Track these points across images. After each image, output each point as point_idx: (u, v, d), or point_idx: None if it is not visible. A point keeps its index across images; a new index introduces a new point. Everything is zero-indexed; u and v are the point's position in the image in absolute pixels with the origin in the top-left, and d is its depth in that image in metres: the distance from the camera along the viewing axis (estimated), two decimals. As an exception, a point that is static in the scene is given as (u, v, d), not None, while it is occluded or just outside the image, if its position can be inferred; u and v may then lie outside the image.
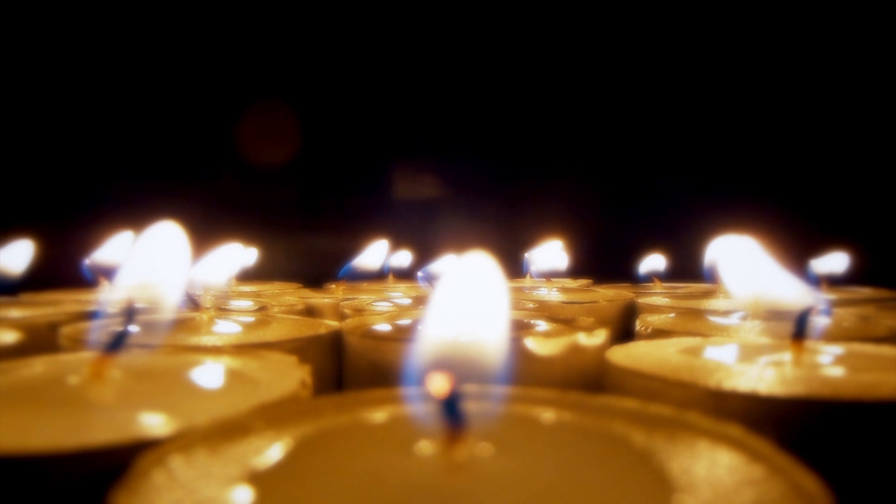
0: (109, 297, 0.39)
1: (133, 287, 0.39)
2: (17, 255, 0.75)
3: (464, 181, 1.47)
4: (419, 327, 0.31)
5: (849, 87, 1.25)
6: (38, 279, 0.77)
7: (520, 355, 0.43)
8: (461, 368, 0.27)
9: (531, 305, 0.67)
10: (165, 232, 0.42)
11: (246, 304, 0.72)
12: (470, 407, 0.24)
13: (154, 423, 0.28)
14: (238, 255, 0.87)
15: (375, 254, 0.98)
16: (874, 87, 1.24)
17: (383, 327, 0.55)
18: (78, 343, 0.45)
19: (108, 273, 0.78)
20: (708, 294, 0.80)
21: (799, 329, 0.40)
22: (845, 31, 1.25)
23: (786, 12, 1.28)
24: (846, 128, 1.27)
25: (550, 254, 1.03)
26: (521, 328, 0.54)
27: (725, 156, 1.35)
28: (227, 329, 0.54)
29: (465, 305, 0.30)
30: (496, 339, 0.29)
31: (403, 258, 1.10)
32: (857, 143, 1.26)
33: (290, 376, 0.35)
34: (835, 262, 0.84)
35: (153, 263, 0.40)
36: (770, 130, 1.33)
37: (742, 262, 0.46)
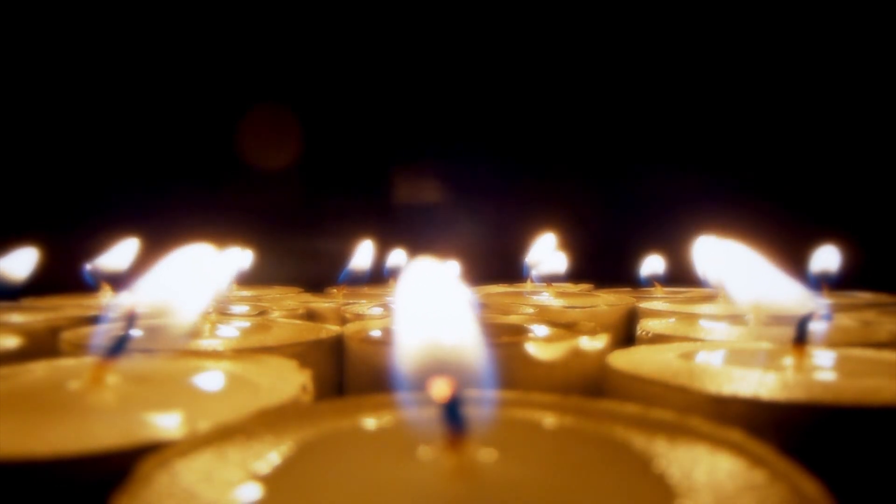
0: (119, 303, 0.39)
1: (154, 301, 0.38)
2: (21, 261, 0.75)
3: (465, 185, 1.47)
4: (418, 332, 0.31)
5: (846, 83, 1.26)
6: (40, 284, 0.77)
7: (521, 360, 0.43)
8: (462, 373, 0.27)
9: (532, 310, 0.67)
10: (198, 252, 0.42)
11: (247, 308, 0.72)
12: (471, 412, 0.24)
13: (155, 427, 0.28)
14: (237, 258, 0.87)
15: (363, 254, 0.98)
16: (872, 83, 1.24)
17: (384, 332, 0.55)
18: (79, 348, 0.45)
19: (109, 278, 0.79)
20: (709, 299, 0.80)
21: (800, 334, 0.40)
22: (840, 25, 1.25)
23: (781, 9, 1.29)
24: (844, 128, 1.27)
25: (548, 255, 1.03)
26: (521, 333, 0.54)
27: (725, 157, 1.35)
28: (227, 333, 0.54)
29: (430, 310, 0.30)
30: (496, 343, 0.29)
31: (404, 262, 1.10)
32: (856, 143, 1.27)
33: (291, 381, 0.35)
34: (827, 258, 0.83)
35: (180, 282, 0.40)
36: (768, 131, 1.33)
37: (737, 265, 0.46)
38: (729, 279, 0.46)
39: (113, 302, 0.39)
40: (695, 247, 0.74)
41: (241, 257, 1.05)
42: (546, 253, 1.02)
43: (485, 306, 0.69)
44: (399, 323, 0.29)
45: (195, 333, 0.53)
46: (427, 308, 0.29)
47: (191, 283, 0.39)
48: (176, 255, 0.41)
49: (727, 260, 0.47)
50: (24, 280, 0.74)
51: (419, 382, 0.26)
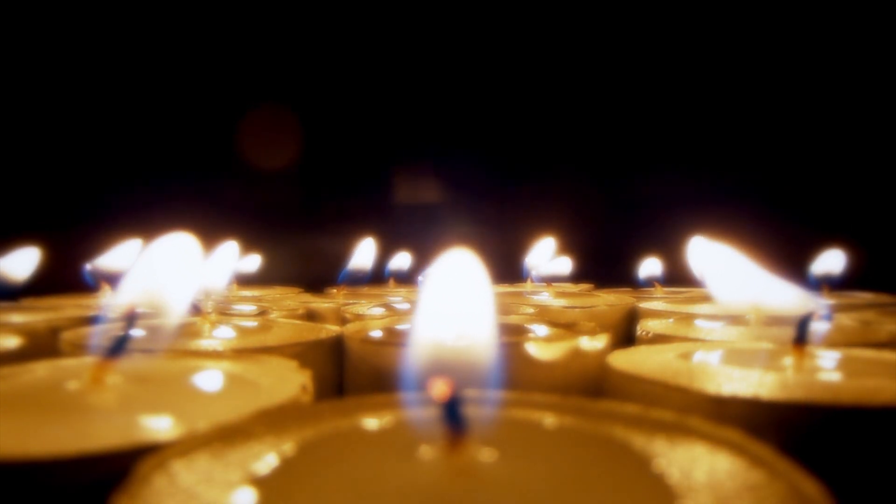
0: (113, 302, 0.39)
1: (140, 294, 0.38)
2: (22, 262, 0.75)
3: (464, 185, 1.47)
4: (419, 332, 0.31)
5: (848, 86, 1.26)
6: (40, 284, 0.77)
7: (521, 360, 0.43)
8: (462, 373, 0.27)
9: (532, 310, 0.67)
10: (178, 242, 0.41)
11: (247, 308, 0.72)
12: (471, 412, 0.24)
13: (155, 428, 0.28)
14: (235, 256, 0.87)
15: (364, 253, 0.98)
16: (872, 83, 1.24)
17: (384, 332, 0.55)
18: (79, 348, 0.45)
19: (109, 278, 0.79)
20: (708, 299, 0.80)
21: (800, 334, 0.40)
22: (841, 27, 1.25)
23: (781, 10, 1.29)
24: (844, 128, 1.27)
25: (549, 257, 1.03)
26: (521, 333, 0.54)
27: (725, 158, 1.35)
28: (227, 334, 0.54)
29: (454, 307, 0.30)
30: (496, 343, 0.29)
31: (404, 262, 1.10)
32: (856, 144, 1.27)
33: (291, 381, 0.35)
34: (831, 261, 0.84)
35: (163, 273, 0.40)
36: (768, 134, 1.33)
37: (728, 270, 0.46)
38: (718, 282, 0.46)
39: (108, 301, 0.39)
40: (689, 249, 0.75)
41: (244, 258, 1.05)
42: (546, 256, 1.03)
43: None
44: (418, 318, 0.29)
45: (191, 328, 0.53)
46: (450, 304, 0.29)
47: (173, 273, 0.39)
48: (154, 246, 0.41)
49: (718, 263, 0.47)
50: (24, 280, 0.74)
51: (419, 382, 0.26)
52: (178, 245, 0.41)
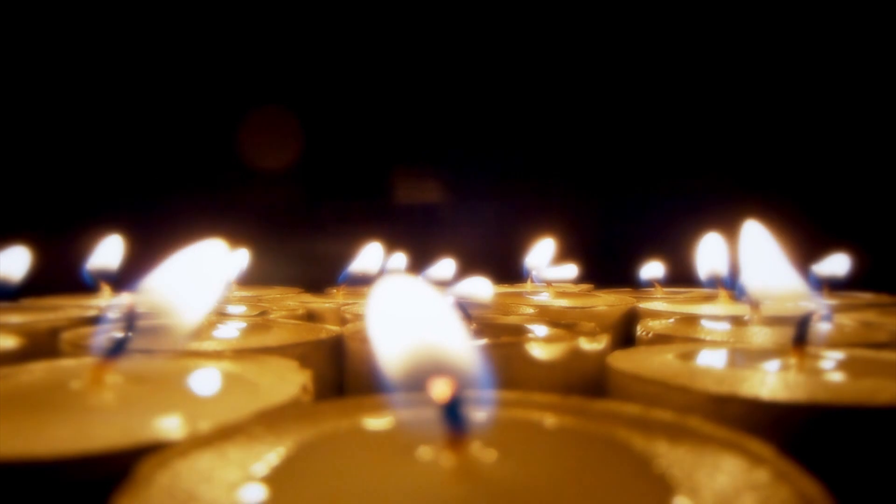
0: (119, 304, 0.38)
1: (157, 302, 0.38)
2: (15, 261, 0.74)
3: (464, 186, 1.47)
4: (416, 332, 0.31)
5: (849, 86, 1.26)
6: (39, 284, 0.77)
7: (521, 360, 0.43)
8: (462, 373, 0.27)
9: (532, 310, 0.67)
10: (209, 249, 0.41)
11: (247, 308, 0.72)
12: (471, 412, 0.24)
13: (155, 428, 0.28)
14: (236, 258, 0.87)
15: (370, 257, 0.98)
16: (875, 85, 1.24)
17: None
18: (79, 348, 0.45)
19: (108, 278, 0.78)
20: (708, 299, 0.80)
21: (800, 334, 0.40)
22: (845, 31, 1.25)
23: (784, 12, 1.29)
24: (846, 130, 1.27)
25: (549, 257, 1.03)
26: (522, 333, 0.54)
27: (726, 159, 1.35)
28: (227, 334, 0.54)
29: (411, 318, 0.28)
30: (496, 343, 0.29)
31: (403, 263, 1.10)
32: (857, 146, 1.27)
33: (292, 381, 0.35)
34: (836, 264, 0.84)
35: (187, 283, 0.39)
36: (769, 133, 1.33)
37: (757, 252, 0.46)
38: (746, 266, 0.46)
39: (113, 302, 0.39)
40: (700, 245, 0.75)
41: (241, 257, 1.05)
42: (546, 257, 1.02)
43: (485, 306, 0.69)
44: (382, 332, 0.28)
45: (197, 334, 0.53)
46: (407, 317, 0.28)
47: (197, 283, 0.39)
48: (183, 253, 0.41)
49: (747, 248, 0.46)
50: (19, 280, 0.74)
51: (418, 383, 0.26)
52: (206, 254, 0.40)
